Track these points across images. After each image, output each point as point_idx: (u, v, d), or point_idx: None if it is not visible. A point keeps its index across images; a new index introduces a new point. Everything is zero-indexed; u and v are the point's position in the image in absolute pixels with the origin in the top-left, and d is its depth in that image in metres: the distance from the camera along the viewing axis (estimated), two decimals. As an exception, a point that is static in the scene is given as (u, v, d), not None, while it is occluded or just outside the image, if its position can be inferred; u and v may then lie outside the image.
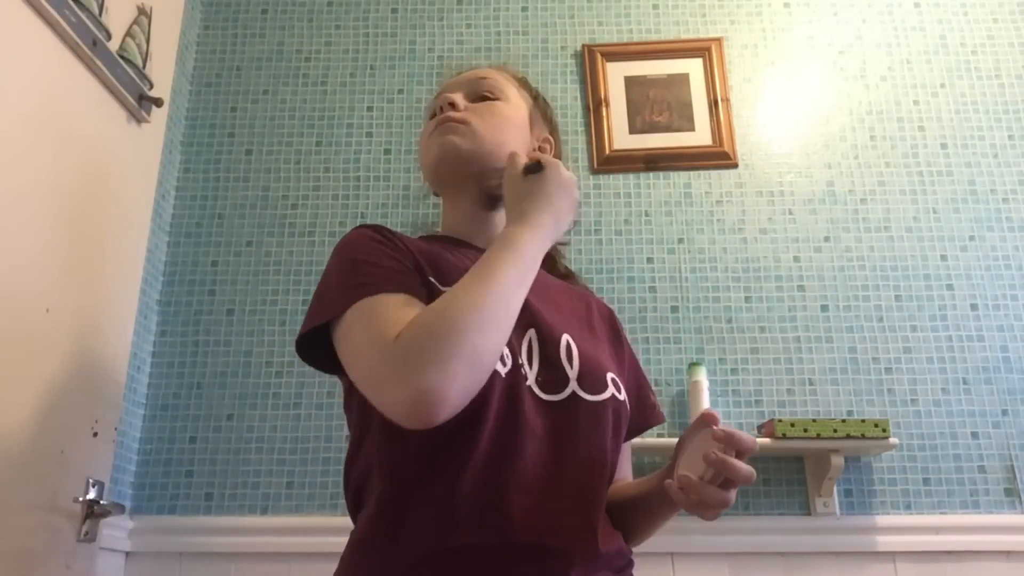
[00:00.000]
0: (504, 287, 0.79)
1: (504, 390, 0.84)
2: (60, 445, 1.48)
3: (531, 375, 0.88)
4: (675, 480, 0.80)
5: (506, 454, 0.82)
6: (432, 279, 0.89)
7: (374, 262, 0.87)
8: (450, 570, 0.80)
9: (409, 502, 0.83)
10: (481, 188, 1.03)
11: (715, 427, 0.79)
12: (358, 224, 0.98)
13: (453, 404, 0.73)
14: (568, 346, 0.92)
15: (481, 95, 1.05)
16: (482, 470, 0.81)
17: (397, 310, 0.80)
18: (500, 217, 1.04)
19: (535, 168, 0.94)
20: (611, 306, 1.13)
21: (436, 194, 1.14)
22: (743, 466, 0.78)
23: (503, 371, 0.84)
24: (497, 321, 0.78)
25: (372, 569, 0.83)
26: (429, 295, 0.86)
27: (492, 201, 1.04)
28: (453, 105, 1.02)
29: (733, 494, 0.80)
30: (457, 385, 0.73)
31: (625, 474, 1.05)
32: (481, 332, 0.75)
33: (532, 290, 0.97)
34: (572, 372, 0.90)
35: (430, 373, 0.72)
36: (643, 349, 1.92)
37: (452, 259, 0.95)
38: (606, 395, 0.91)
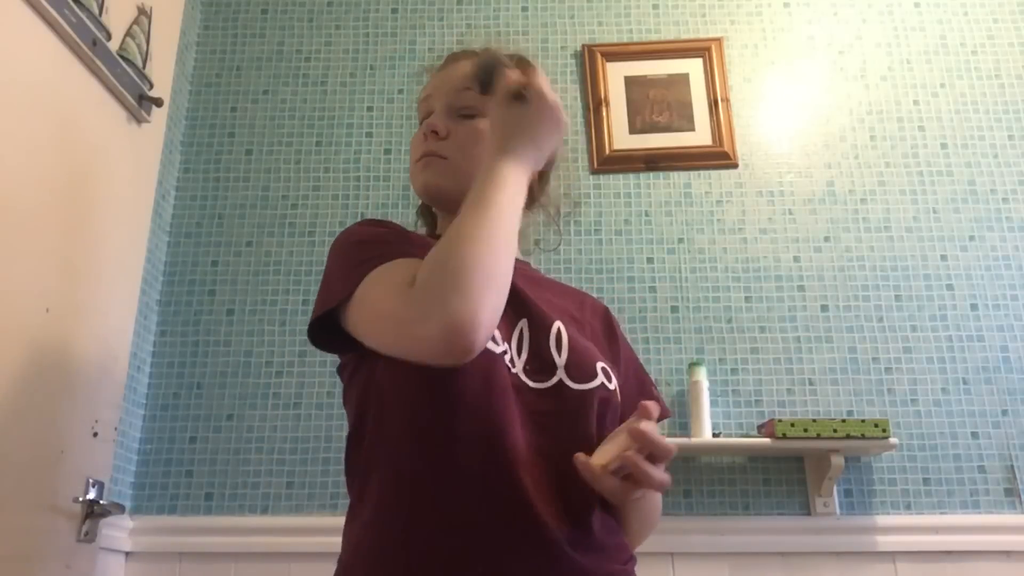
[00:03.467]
0: (498, 211, 0.82)
1: (490, 377, 0.85)
2: (60, 445, 1.48)
3: (519, 363, 0.90)
4: (588, 462, 0.79)
5: (493, 443, 0.83)
6: None
7: (377, 241, 0.90)
8: (449, 561, 0.81)
9: (406, 501, 0.84)
10: None
11: (633, 425, 0.77)
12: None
13: (485, 324, 0.76)
14: (559, 334, 0.93)
15: (462, 109, 1.02)
16: (470, 459, 0.83)
17: (409, 267, 0.82)
18: None
19: (518, 97, 0.93)
20: (609, 305, 1.14)
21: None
22: (651, 471, 0.76)
23: (497, 350, 0.86)
24: (500, 241, 0.80)
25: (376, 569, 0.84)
26: None
27: None
28: (436, 133, 1.00)
29: (639, 491, 0.78)
30: (484, 304, 0.75)
31: None
32: (489, 253, 0.78)
33: (524, 282, 0.99)
34: (560, 360, 0.91)
35: (455, 301, 0.74)
36: (643, 349, 1.91)
37: None
38: (594, 383, 0.91)
